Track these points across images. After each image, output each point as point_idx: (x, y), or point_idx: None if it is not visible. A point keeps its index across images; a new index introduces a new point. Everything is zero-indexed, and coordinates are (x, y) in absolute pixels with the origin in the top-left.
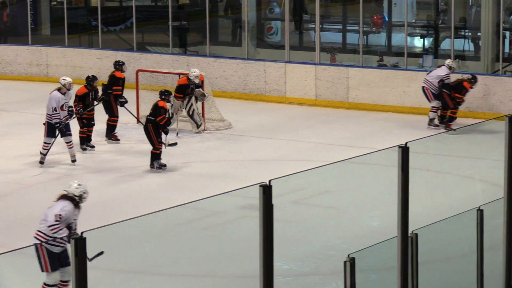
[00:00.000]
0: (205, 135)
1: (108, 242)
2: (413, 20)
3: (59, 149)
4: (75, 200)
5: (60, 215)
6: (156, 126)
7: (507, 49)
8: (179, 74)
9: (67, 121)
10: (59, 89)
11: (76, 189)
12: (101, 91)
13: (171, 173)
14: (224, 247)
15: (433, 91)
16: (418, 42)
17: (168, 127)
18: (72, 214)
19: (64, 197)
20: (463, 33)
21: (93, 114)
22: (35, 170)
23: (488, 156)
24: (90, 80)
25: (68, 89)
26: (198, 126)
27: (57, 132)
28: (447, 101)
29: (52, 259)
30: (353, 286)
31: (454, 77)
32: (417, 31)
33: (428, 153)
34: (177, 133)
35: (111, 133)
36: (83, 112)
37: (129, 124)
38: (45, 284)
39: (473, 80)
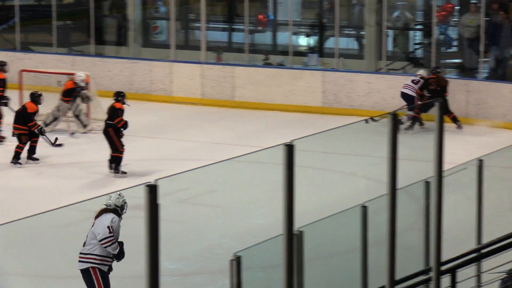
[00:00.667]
0: (90, 135)
1: None
2: (298, 19)
3: None
4: (118, 212)
5: (111, 226)
6: (116, 129)
7: (390, 48)
8: (64, 74)
9: None
10: None
11: (118, 199)
12: None
13: (57, 174)
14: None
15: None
16: (303, 41)
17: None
18: (119, 226)
19: (105, 211)
20: (347, 32)
21: None
22: None
23: (372, 154)
24: None
25: None
26: (84, 127)
27: None
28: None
29: (104, 279)
30: (239, 285)
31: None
32: (302, 30)
33: (313, 151)
34: (72, 133)
35: None
36: None
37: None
38: None
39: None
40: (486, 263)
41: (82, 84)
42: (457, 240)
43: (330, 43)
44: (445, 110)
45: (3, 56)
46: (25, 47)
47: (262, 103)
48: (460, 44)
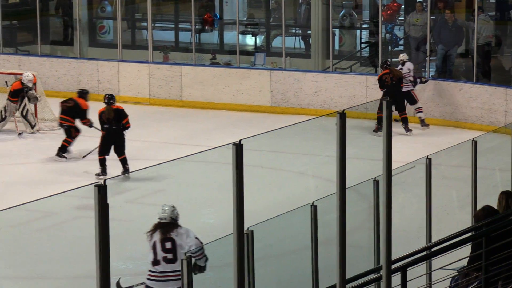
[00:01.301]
0: (38, 135)
1: None
2: (245, 18)
3: None
4: (177, 224)
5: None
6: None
7: (337, 47)
8: (11, 74)
9: None
10: None
11: (173, 212)
12: None
13: (4, 174)
14: (59, 248)
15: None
16: (250, 40)
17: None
18: None
19: (166, 225)
20: (294, 31)
21: None
22: None
23: (321, 152)
24: None
25: None
26: (32, 127)
27: None
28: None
29: None
30: (190, 285)
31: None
32: (249, 29)
33: (262, 150)
34: (20, 133)
35: None
36: None
37: None
38: None
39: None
40: (437, 261)
41: (30, 85)
42: (407, 238)
43: (277, 42)
44: (401, 106)
45: None
46: None
47: (210, 103)
48: (407, 43)
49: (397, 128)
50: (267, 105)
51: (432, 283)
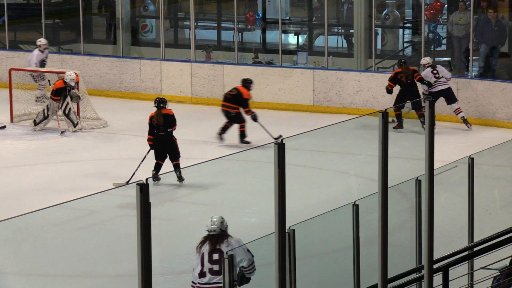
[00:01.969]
0: (81, 134)
1: None
2: (287, 17)
3: None
4: (228, 234)
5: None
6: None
7: (379, 46)
8: (54, 72)
9: None
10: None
11: (222, 223)
12: None
13: (47, 173)
14: (102, 247)
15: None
16: (292, 39)
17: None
18: None
19: (214, 236)
20: (336, 30)
21: None
22: None
23: (363, 152)
24: None
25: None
26: (74, 125)
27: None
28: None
29: None
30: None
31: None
32: (291, 28)
33: (304, 149)
34: (62, 132)
35: None
36: None
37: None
38: None
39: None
40: (479, 261)
41: (72, 83)
42: (449, 238)
43: (319, 41)
44: (418, 105)
45: None
46: (14, 46)
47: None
48: (449, 42)
49: (438, 128)
50: (309, 104)
51: (474, 283)
